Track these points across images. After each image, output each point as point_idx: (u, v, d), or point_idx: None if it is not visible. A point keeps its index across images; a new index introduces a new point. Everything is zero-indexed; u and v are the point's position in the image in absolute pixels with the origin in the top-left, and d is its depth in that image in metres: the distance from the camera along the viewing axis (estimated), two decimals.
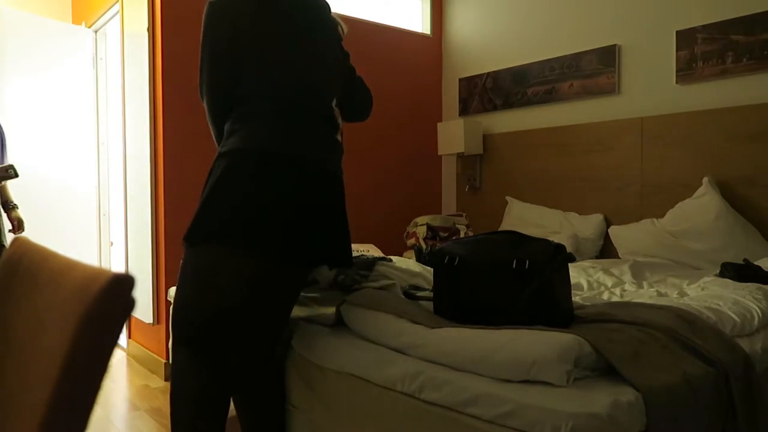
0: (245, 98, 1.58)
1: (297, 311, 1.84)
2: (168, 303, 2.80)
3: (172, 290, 2.56)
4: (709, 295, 1.91)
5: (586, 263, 2.70)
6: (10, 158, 2.75)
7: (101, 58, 4.01)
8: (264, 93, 1.57)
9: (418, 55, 4.19)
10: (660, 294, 2.05)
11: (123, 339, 3.59)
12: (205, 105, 1.66)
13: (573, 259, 2.99)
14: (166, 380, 3.02)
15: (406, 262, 2.23)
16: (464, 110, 4.15)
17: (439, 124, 4.03)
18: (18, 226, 2.82)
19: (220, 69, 1.59)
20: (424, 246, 3.35)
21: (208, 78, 1.61)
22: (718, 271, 2.30)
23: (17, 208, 2.83)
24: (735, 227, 2.64)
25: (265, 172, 1.51)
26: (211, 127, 1.70)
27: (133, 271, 3.37)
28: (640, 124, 3.14)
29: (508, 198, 3.75)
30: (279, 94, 1.57)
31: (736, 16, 2.80)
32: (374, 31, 3.90)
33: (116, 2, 3.49)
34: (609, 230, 3.16)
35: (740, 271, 2.19)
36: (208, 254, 1.53)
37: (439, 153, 4.03)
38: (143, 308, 3.19)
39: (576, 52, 3.47)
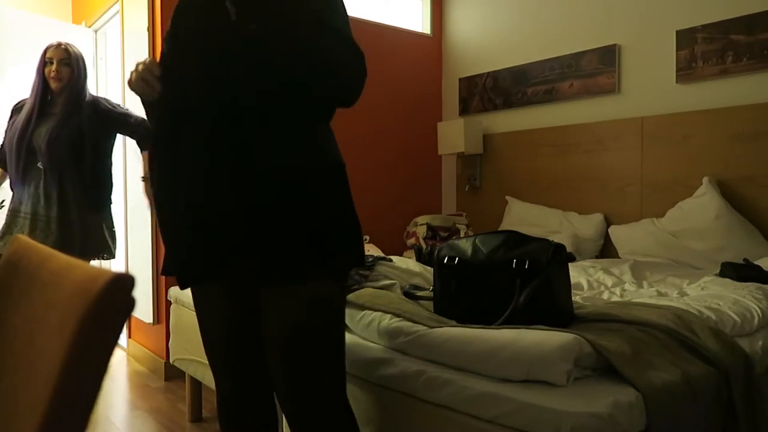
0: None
1: None
2: (168, 303, 2.80)
3: (173, 290, 2.55)
4: (709, 294, 1.91)
5: (586, 263, 2.70)
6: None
7: (101, 58, 4.00)
8: None
9: (418, 55, 4.19)
10: (660, 294, 2.05)
11: (123, 339, 3.59)
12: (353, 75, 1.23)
13: (573, 259, 2.99)
14: (166, 380, 3.02)
15: (406, 262, 2.23)
16: (464, 110, 4.15)
17: (439, 124, 4.03)
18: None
19: None
20: (424, 246, 3.35)
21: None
22: (718, 271, 2.30)
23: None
24: (735, 227, 2.63)
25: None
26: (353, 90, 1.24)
27: (133, 271, 3.37)
28: (640, 124, 3.13)
29: (508, 198, 3.75)
30: None
31: (736, 16, 2.80)
32: (374, 30, 3.90)
33: (116, 2, 3.49)
34: (609, 230, 3.16)
35: (740, 271, 2.19)
36: (342, 289, 1.33)
37: (439, 153, 4.03)
38: (143, 308, 3.19)
39: (576, 52, 3.47)
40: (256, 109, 1.20)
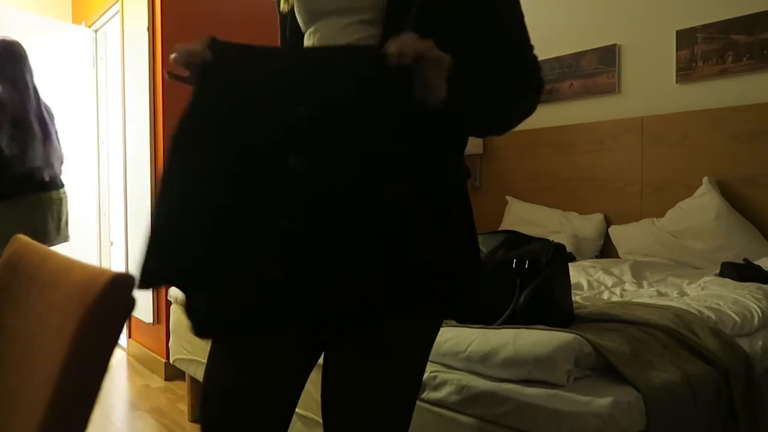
0: None
1: None
2: (168, 303, 2.80)
3: (173, 290, 2.55)
4: (709, 294, 1.91)
5: (586, 263, 2.70)
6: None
7: (101, 58, 4.01)
8: None
9: None
10: (660, 294, 2.05)
11: (123, 339, 3.59)
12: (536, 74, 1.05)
13: (573, 259, 2.98)
14: (166, 380, 3.02)
15: None
16: None
17: None
18: None
19: None
20: None
21: None
22: (718, 271, 2.30)
23: None
24: (735, 227, 2.63)
25: None
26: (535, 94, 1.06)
27: (133, 271, 3.36)
28: (640, 124, 3.13)
29: (508, 198, 3.74)
30: None
31: (736, 16, 2.80)
32: None
33: (116, 2, 3.49)
34: (609, 230, 3.16)
35: (740, 271, 2.19)
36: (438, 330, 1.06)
37: None
38: (143, 308, 3.19)
39: (576, 51, 3.47)
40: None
